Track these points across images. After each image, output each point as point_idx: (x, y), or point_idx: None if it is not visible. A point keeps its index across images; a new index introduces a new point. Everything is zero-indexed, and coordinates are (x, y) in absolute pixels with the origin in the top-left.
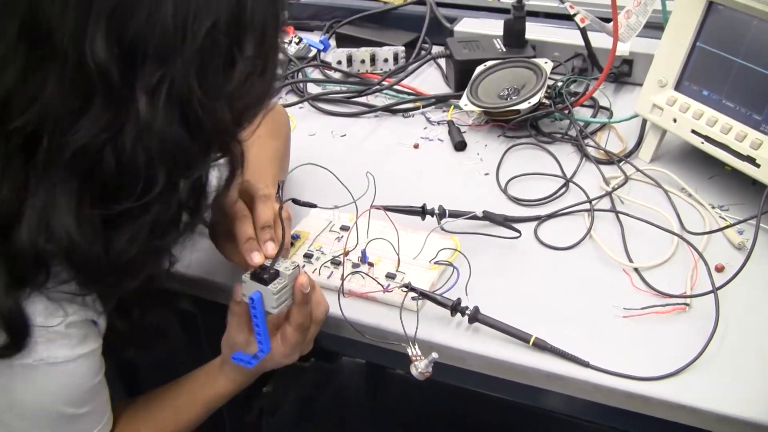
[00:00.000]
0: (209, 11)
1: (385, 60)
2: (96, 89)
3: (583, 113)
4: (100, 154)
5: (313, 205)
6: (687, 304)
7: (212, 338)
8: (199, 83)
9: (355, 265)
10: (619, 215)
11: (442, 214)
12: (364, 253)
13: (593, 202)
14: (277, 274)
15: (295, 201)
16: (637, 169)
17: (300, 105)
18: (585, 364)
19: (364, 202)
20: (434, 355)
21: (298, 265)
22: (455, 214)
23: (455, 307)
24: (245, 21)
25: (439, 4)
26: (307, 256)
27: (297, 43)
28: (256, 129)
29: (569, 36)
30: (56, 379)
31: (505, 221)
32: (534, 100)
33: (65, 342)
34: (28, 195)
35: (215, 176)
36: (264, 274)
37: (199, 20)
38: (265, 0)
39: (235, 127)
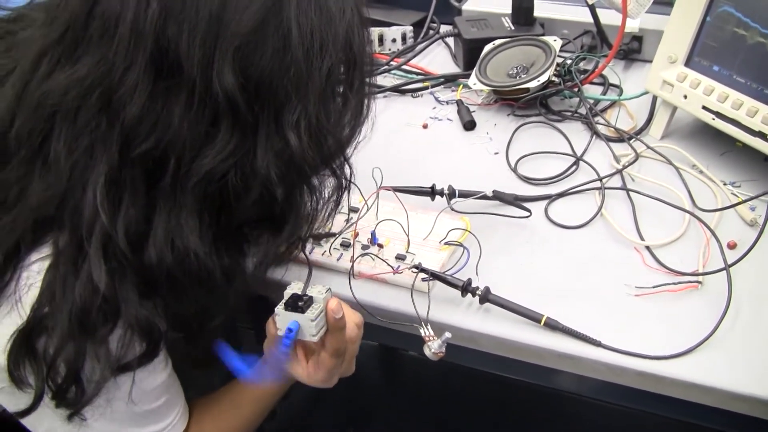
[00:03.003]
0: (328, 53)
1: (393, 40)
2: (222, 116)
3: (592, 91)
4: (224, 178)
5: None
6: (699, 282)
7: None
8: (325, 114)
9: (364, 247)
10: (630, 193)
11: (451, 194)
12: (373, 234)
13: (604, 180)
14: (311, 301)
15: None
16: (648, 147)
17: None
18: (597, 344)
19: (374, 183)
20: (447, 335)
21: (329, 288)
22: (465, 194)
23: (466, 288)
24: (354, 61)
25: None
26: (317, 239)
27: None
28: (354, 151)
29: (578, 13)
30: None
31: (516, 200)
32: (543, 78)
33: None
34: (155, 215)
35: None
36: (299, 302)
37: (323, 59)
38: (366, 44)
39: (345, 151)
